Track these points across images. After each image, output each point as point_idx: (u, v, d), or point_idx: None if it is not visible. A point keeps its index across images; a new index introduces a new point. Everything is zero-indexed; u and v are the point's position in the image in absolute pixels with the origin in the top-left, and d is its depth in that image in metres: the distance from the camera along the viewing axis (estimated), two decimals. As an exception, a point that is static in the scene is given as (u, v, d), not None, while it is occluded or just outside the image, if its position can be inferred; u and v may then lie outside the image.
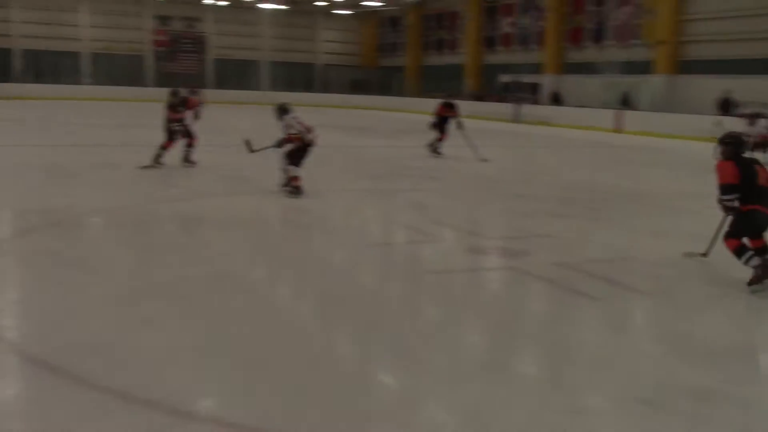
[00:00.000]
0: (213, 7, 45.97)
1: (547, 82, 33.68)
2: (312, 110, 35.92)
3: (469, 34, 39.28)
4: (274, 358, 4.21)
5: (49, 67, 40.17)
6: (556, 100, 32.40)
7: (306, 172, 9.52)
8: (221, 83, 43.88)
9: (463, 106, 16.90)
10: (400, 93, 42.28)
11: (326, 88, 46.02)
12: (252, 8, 46.04)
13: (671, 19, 27.98)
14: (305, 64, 48.83)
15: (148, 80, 43.78)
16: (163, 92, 41.35)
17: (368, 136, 21.65)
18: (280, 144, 9.56)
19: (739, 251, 5.83)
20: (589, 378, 4.09)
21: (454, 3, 39.47)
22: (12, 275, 6.03)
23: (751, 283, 5.75)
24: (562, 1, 33.32)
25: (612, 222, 8.98)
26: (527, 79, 34.51)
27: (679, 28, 28.00)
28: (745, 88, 23.36)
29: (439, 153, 15.09)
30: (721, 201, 5.96)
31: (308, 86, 45.93)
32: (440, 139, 15.16)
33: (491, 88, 37.10)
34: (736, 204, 5.84)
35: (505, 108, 32.16)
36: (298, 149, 9.53)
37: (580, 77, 32.28)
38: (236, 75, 44.40)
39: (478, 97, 35.78)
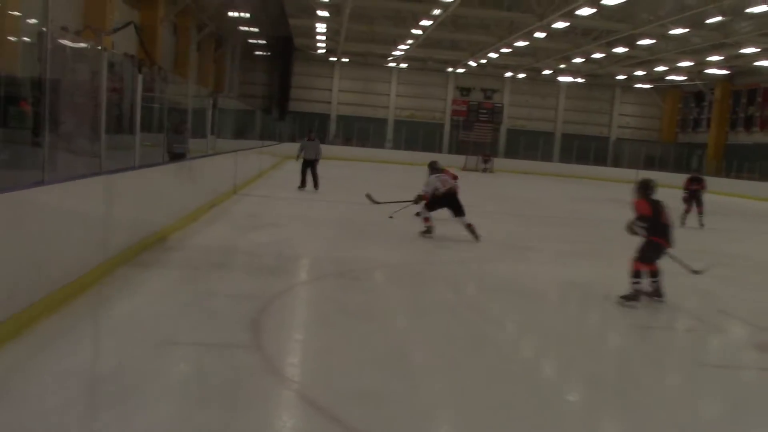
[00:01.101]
0: (511, 79, 47.49)
1: None
2: (602, 184, 35.40)
3: (785, 111, 36.04)
4: (531, 429, 4.26)
5: (358, 131, 44.54)
6: None
7: (610, 248, 9.23)
8: (512, 152, 45.01)
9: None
10: (699, 171, 39.73)
11: (619, 163, 44.89)
12: (549, 81, 46.82)
13: None
14: (598, 137, 48.20)
15: (444, 147, 46.32)
16: (458, 159, 42.74)
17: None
18: (416, 200, 11.92)
19: (635, 273, 7.49)
20: None
21: (768, 78, 36.57)
22: (299, 316, 6.75)
23: (623, 297, 7.48)
24: None
25: None
26: None
27: None
28: None
29: (683, 224, 15.80)
30: (632, 224, 7.57)
31: (600, 159, 45.21)
32: (687, 211, 16.32)
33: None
34: (644, 231, 7.48)
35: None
36: (436, 200, 11.42)
37: None
38: (527, 145, 45.15)
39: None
